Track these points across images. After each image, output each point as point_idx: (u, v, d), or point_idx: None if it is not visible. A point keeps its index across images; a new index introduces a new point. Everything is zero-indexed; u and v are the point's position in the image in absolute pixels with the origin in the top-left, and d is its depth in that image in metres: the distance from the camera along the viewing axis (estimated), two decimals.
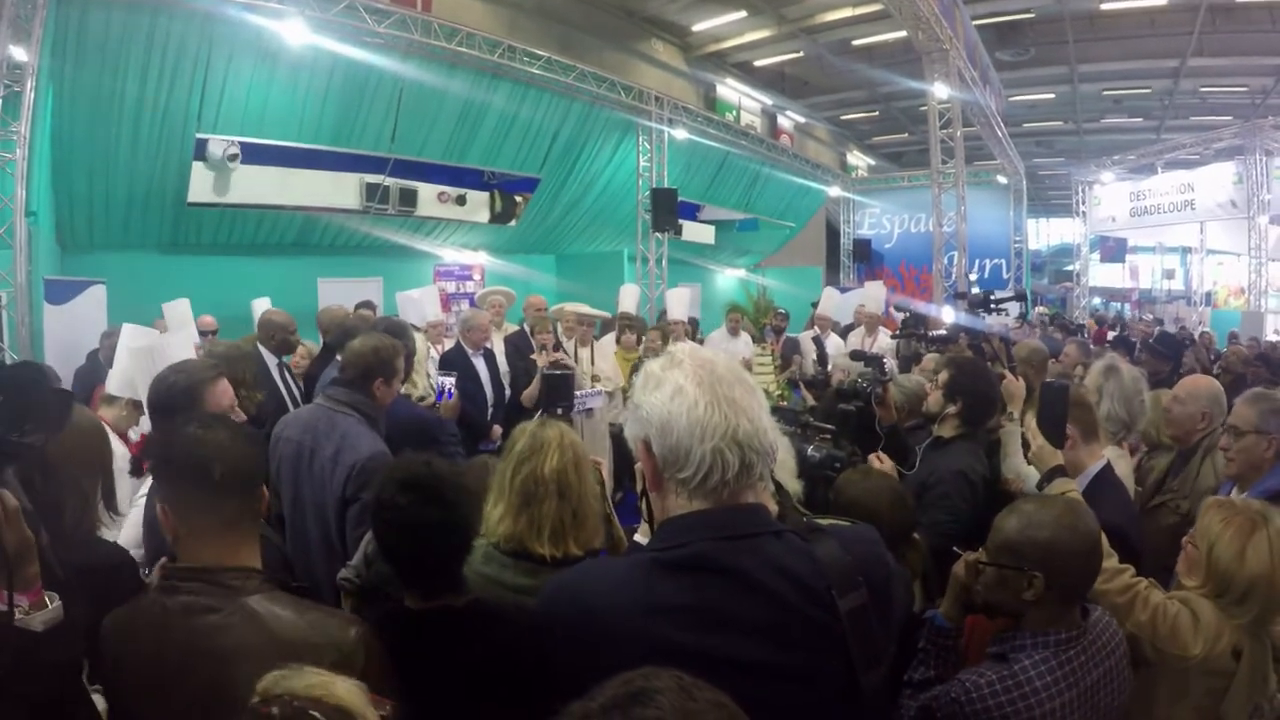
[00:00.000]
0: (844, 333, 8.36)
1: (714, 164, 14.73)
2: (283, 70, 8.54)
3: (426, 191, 10.62)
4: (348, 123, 9.47)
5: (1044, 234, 31.70)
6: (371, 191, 9.96)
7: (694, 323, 9.10)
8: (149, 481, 2.22)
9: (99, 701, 1.48)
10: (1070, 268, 22.60)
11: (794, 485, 1.93)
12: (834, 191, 18.57)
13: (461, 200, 11.05)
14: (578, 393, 5.14)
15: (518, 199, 11.77)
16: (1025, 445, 2.42)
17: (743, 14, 15.32)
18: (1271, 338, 14.14)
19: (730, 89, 17.97)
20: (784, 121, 19.96)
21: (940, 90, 11.69)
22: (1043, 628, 1.67)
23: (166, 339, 3.65)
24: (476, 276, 12.97)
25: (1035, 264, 27.43)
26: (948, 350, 4.04)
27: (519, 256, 13.46)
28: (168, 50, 7.71)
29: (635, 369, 1.35)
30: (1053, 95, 20.30)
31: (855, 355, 3.98)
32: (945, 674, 1.78)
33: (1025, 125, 22.40)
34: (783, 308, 10.49)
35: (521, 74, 10.26)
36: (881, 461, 2.65)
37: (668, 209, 11.73)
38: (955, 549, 1.89)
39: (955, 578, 1.83)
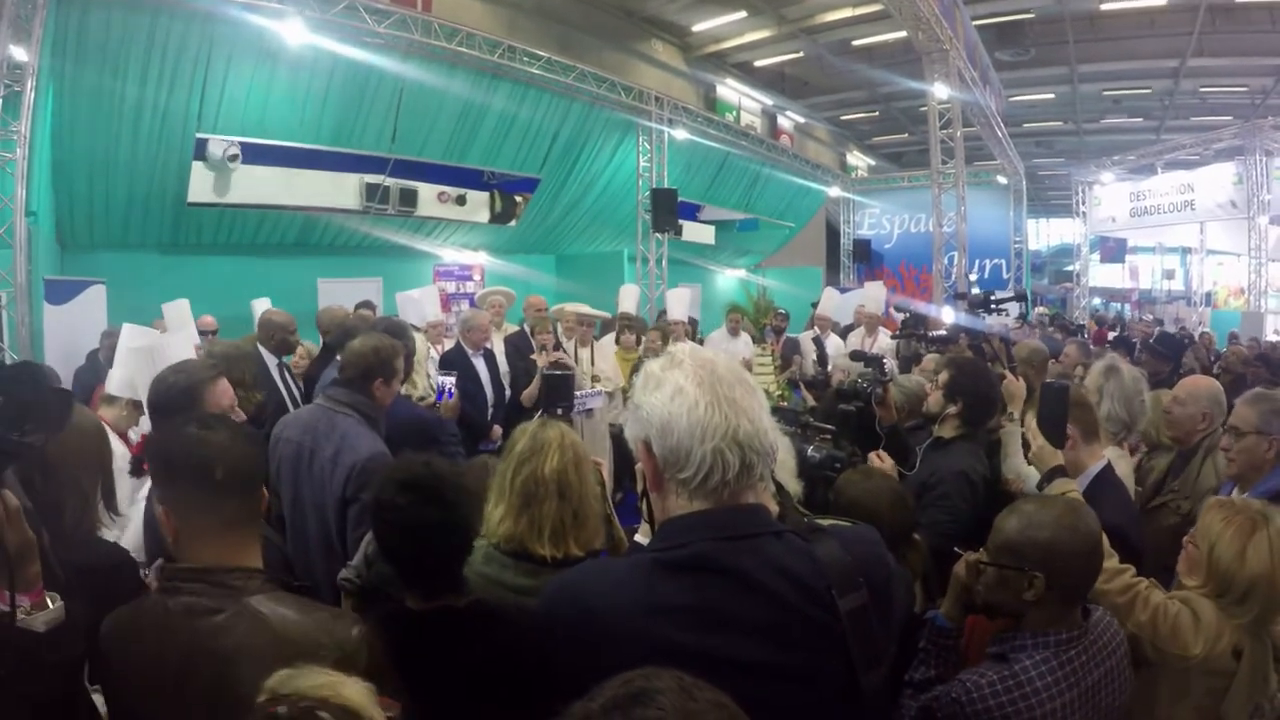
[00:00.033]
0: (844, 333, 8.36)
1: (714, 164, 14.73)
2: (283, 70, 8.54)
3: (426, 192, 10.63)
4: (348, 123, 9.48)
5: (1044, 234, 31.71)
6: (371, 192, 9.97)
7: (694, 323, 9.10)
8: (149, 482, 2.22)
9: (98, 702, 1.48)
10: (1070, 268, 22.61)
11: (794, 485, 1.93)
12: (834, 192, 18.57)
13: (461, 200, 11.06)
14: (578, 393, 5.14)
15: (518, 199, 11.78)
16: (1026, 445, 2.42)
17: (743, 14, 15.32)
18: (1271, 338, 14.15)
19: (730, 89, 17.97)
20: (784, 122, 19.95)
21: (940, 90, 11.69)
22: (1043, 628, 1.67)
23: (166, 339, 3.65)
24: (476, 277, 12.97)
25: (1035, 264, 27.44)
26: (948, 351, 4.04)
27: (519, 257, 13.46)
28: (168, 50, 7.72)
29: (635, 369, 1.35)
30: (1053, 95, 20.29)
31: (855, 356, 3.98)
32: (946, 674, 1.77)
33: (1025, 125, 22.39)
34: (783, 308, 10.49)
35: (521, 74, 10.26)
36: (882, 460, 2.65)
37: (668, 209, 11.74)
38: (956, 549, 1.89)
39: (956, 578, 1.83)
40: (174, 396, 2.32)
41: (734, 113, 17.47)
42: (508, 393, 5.60)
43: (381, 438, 2.73)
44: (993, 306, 4.23)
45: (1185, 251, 22.73)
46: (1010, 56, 17.06)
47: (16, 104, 6.50)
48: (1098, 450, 2.58)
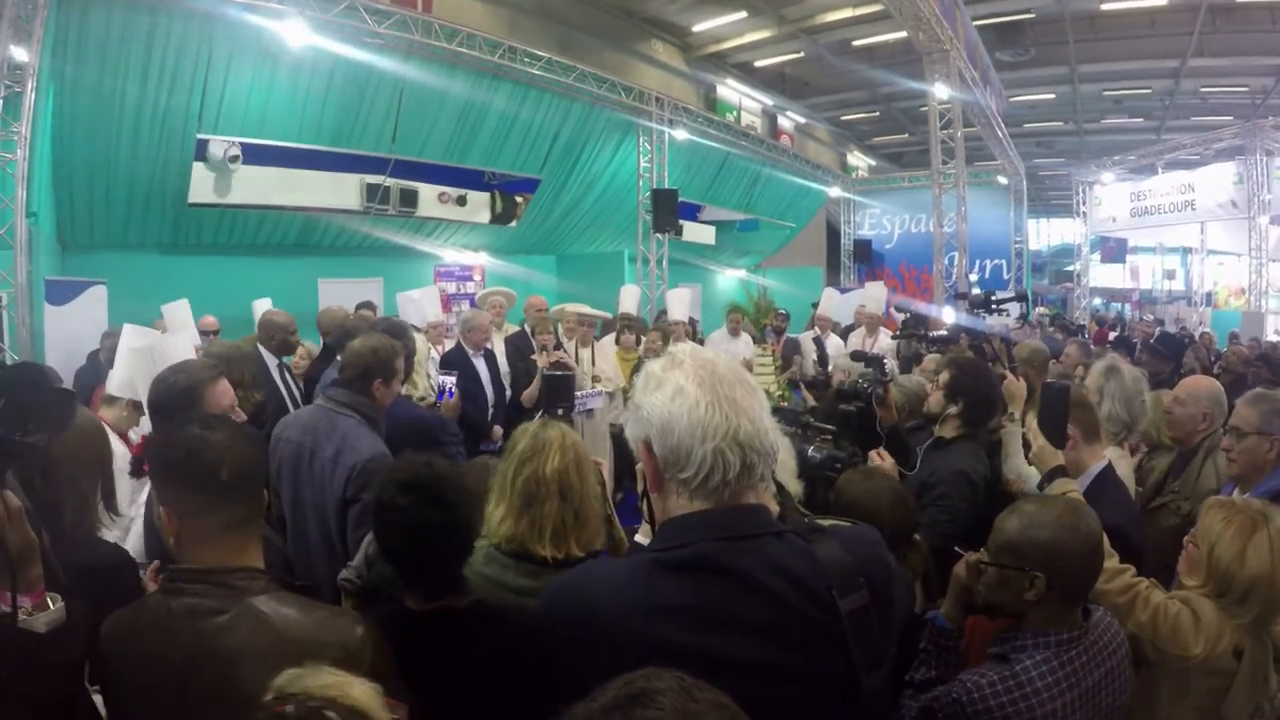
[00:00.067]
0: (844, 333, 8.36)
1: (714, 164, 14.74)
2: (283, 71, 8.54)
3: (427, 192, 10.63)
4: (348, 123, 9.48)
5: (1044, 234, 31.71)
6: (372, 192, 9.97)
7: (694, 323, 9.10)
8: (150, 484, 2.22)
9: (98, 702, 1.48)
10: (1071, 268, 22.61)
11: (794, 486, 1.93)
12: (834, 192, 18.57)
13: (462, 201, 11.06)
14: (578, 393, 5.15)
15: (518, 199, 11.78)
16: (1026, 446, 2.42)
17: (743, 14, 15.32)
18: (1272, 338, 14.15)
19: (730, 89, 17.97)
20: (784, 122, 19.95)
21: (941, 91, 11.69)
22: (1044, 628, 1.67)
23: (167, 339, 3.65)
24: (477, 277, 12.98)
25: (1036, 264, 27.43)
26: (948, 351, 4.04)
27: (519, 257, 13.47)
28: (168, 51, 7.72)
29: (636, 369, 1.35)
30: (1053, 95, 20.29)
31: (856, 356, 3.98)
32: (946, 674, 1.77)
33: (1026, 125, 22.39)
34: (783, 308, 10.49)
35: (522, 74, 10.26)
36: (882, 458, 2.65)
37: (668, 209, 11.74)
38: (957, 549, 1.89)
39: (956, 578, 1.83)
40: (174, 397, 2.32)
41: (734, 113, 17.47)
42: (508, 393, 5.60)
43: (382, 438, 2.73)
44: (993, 307, 4.23)
45: (1186, 251, 22.73)
46: (1011, 56, 17.07)
47: (17, 105, 6.50)
48: (1098, 450, 2.58)
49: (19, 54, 6.41)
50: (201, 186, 8.59)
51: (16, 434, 1.26)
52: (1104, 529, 1.79)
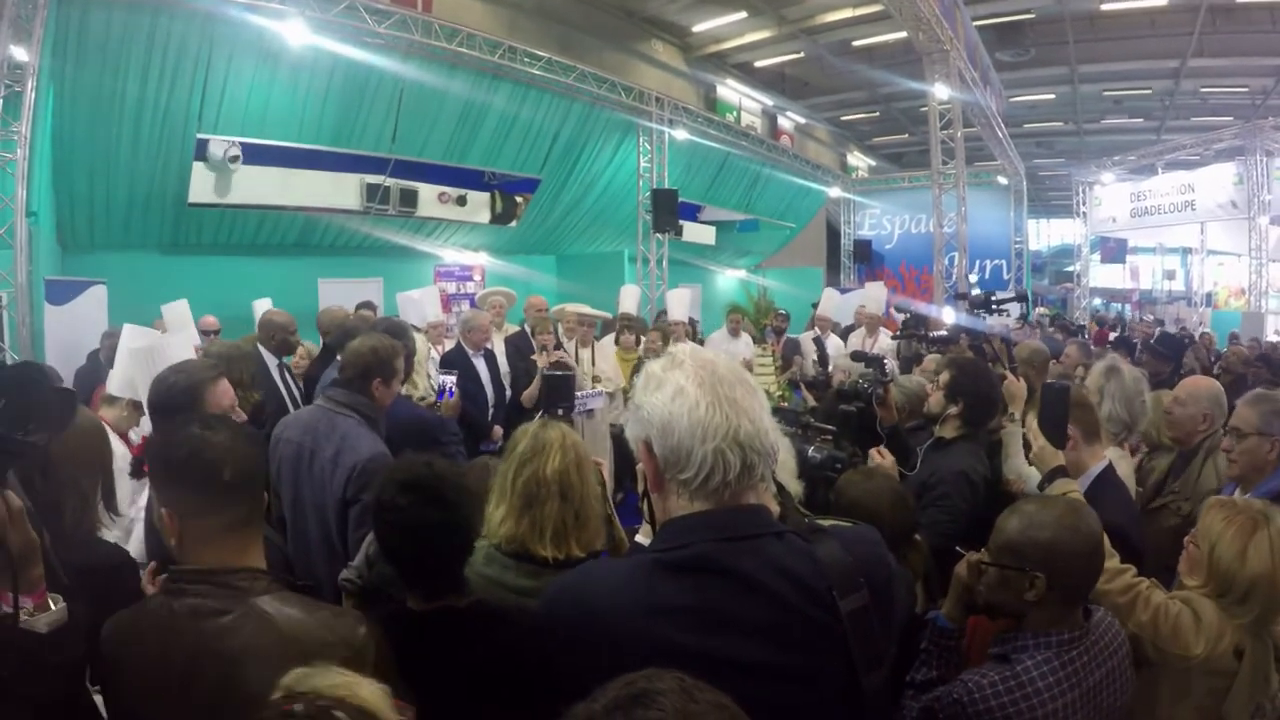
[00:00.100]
0: (845, 334, 8.36)
1: (714, 165, 14.74)
2: (283, 71, 8.54)
3: (427, 192, 10.63)
4: (348, 123, 9.48)
5: (1044, 235, 31.70)
6: (372, 192, 9.97)
7: (694, 324, 9.10)
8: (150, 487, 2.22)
9: (98, 702, 1.48)
10: (1071, 268, 22.61)
11: (794, 486, 1.93)
12: (834, 192, 18.57)
13: (462, 201, 11.06)
14: (578, 393, 5.15)
15: (518, 199, 11.79)
16: (1027, 446, 2.42)
17: (743, 15, 15.32)
18: (1272, 338, 14.15)
19: (730, 89, 17.97)
20: (784, 122, 19.96)
21: (941, 91, 11.69)
22: (1045, 628, 1.67)
23: (167, 339, 3.65)
24: (477, 277, 12.98)
25: (1036, 265, 27.43)
26: (948, 351, 4.04)
27: (519, 257, 13.47)
28: (168, 50, 7.72)
29: (636, 370, 1.35)
30: (1053, 96, 20.30)
31: (856, 356, 3.98)
32: (947, 675, 1.77)
33: (1026, 126, 22.40)
34: (783, 308, 10.49)
35: (522, 74, 10.26)
36: (883, 456, 2.65)
37: (668, 210, 11.74)
38: (958, 549, 1.89)
39: (957, 578, 1.83)
40: (174, 397, 2.32)
41: (734, 113, 17.48)
42: (508, 393, 5.60)
43: (382, 438, 2.73)
44: (994, 307, 4.23)
45: (1186, 252, 22.73)
46: (1011, 57, 17.07)
47: (17, 104, 6.51)
48: (1099, 451, 2.58)
49: (19, 54, 6.42)
50: (202, 186, 8.59)
51: (18, 433, 1.26)
52: (1104, 529, 1.79)
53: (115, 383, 3.39)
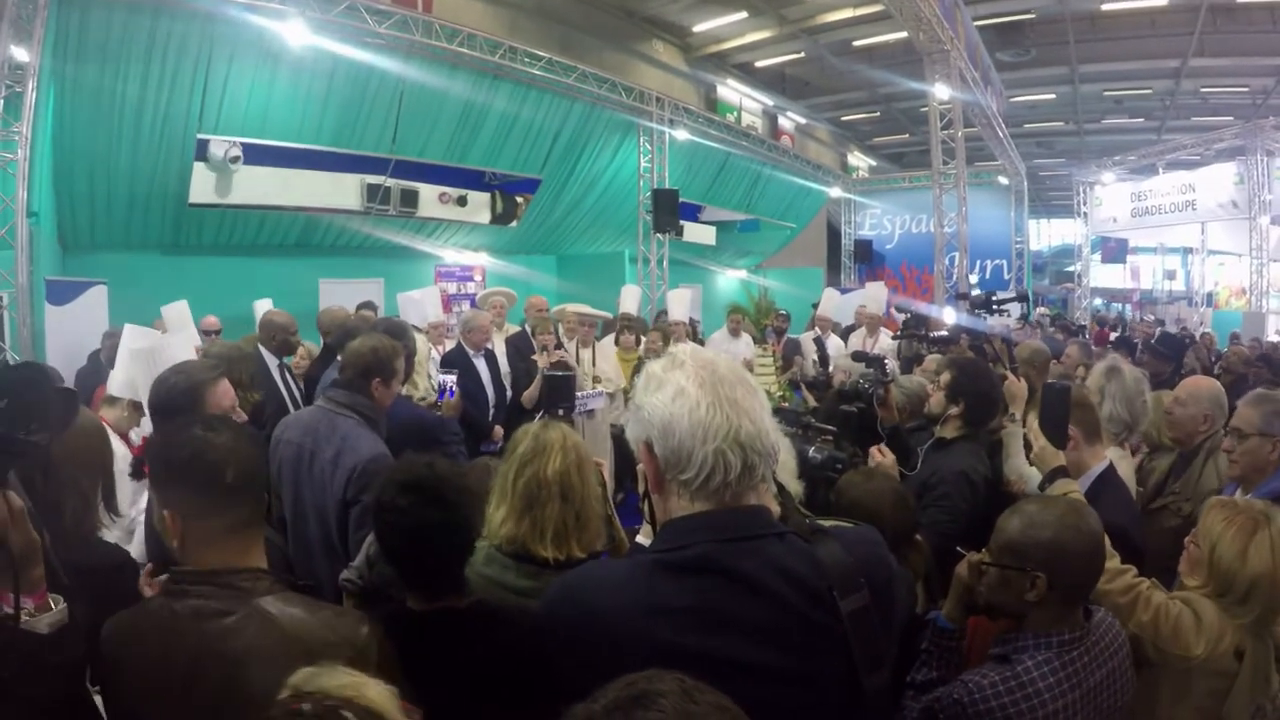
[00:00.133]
0: (845, 334, 8.36)
1: (715, 165, 14.74)
2: (284, 71, 8.55)
3: (427, 192, 10.64)
4: (349, 124, 9.49)
5: (1045, 235, 31.68)
6: (373, 192, 9.98)
7: (694, 324, 9.10)
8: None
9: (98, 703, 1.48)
10: (1071, 268, 22.60)
11: (794, 486, 1.93)
12: (835, 192, 18.57)
13: (462, 201, 11.07)
14: (579, 394, 5.14)
15: (519, 200, 11.79)
16: (1027, 446, 2.42)
17: (743, 15, 15.32)
18: (1273, 338, 14.13)
19: (731, 90, 17.98)
20: (785, 122, 19.96)
21: (941, 91, 11.69)
22: (1045, 629, 1.66)
23: (168, 340, 3.65)
24: (477, 277, 12.98)
25: (1036, 265, 27.41)
26: (949, 351, 4.04)
27: (520, 257, 13.47)
28: (169, 51, 7.73)
29: (637, 370, 1.35)
30: (1054, 96, 20.30)
31: (857, 356, 3.98)
32: (948, 675, 1.77)
33: (1026, 126, 22.39)
34: (784, 309, 10.48)
35: (522, 75, 10.27)
36: (884, 455, 2.65)
37: (669, 210, 11.74)
38: (959, 549, 1.89)
39: (958, 579, 1.83)
40: (175, 398, 2.32)
41: (735, 113, 17.48)
42: (509, 393, 5.60)
43: (382, 439, 2.73)
44: (994, 307, 4.23)
45: (1186, 252, 22.69)
46: (1011, 57, 17.08)
47: (18, 105, 6.52)
48: (1100, 451, 2.58)
49: (20, 54, 6.42)
50: (202, 187, 8.60)
51: (20, 433, 1.26)
52: (1105, 529, 1.79)
53: (116, 383, 3.40)
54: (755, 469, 1.12)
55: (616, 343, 6.73)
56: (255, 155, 8.75)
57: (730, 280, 17.27)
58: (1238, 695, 1.85)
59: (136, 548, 2.43)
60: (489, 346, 5.58)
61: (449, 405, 4.43)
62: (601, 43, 14.24)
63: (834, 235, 19.99)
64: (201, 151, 8.35)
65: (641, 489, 1.25)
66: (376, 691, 1.06)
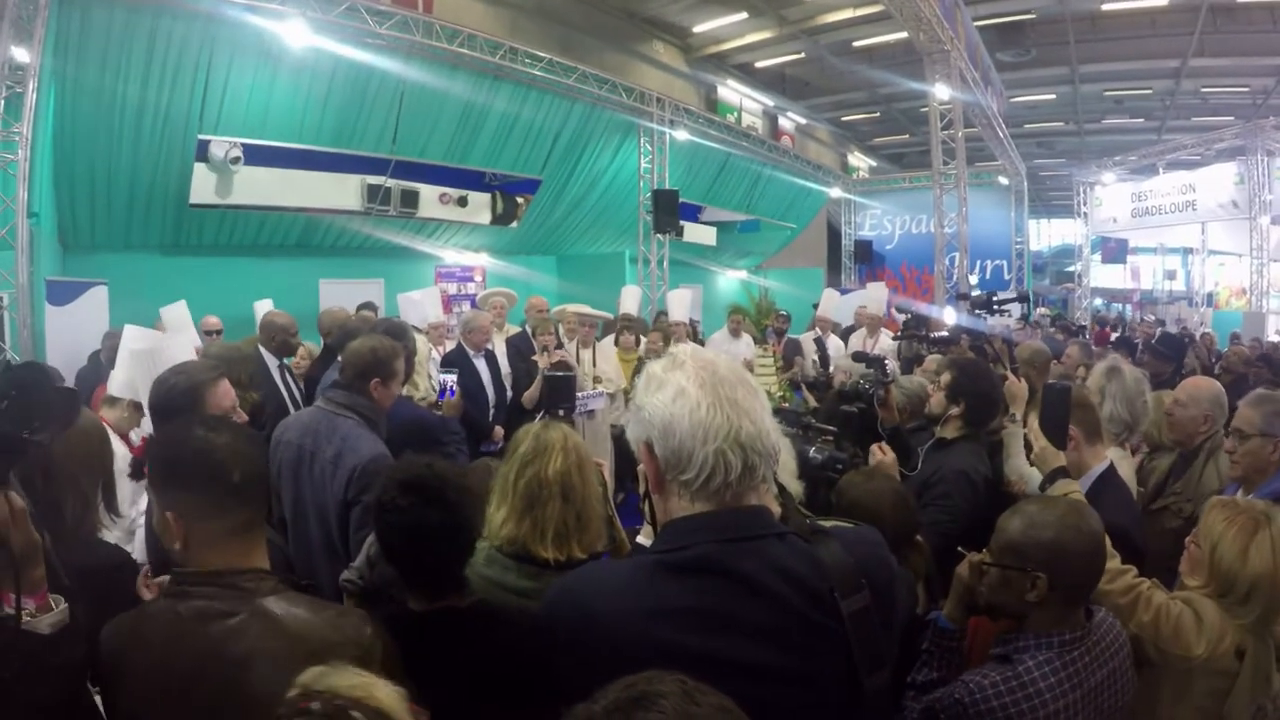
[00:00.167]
0: (845, 334, 8.37)
1: (715, 165, 14.73)
2: (284, 72, 8.55)
3: (428, 193, 10.63)
4: (349, 124, 9.48)
5: (1045, 235, 31.69)
6: (373, 193, 9.98)
7: (694, 324, 9.11)
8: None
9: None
10: (1072, 269, 22.58)
11: (795, 486, 1.92)
12: (835, 193, 18.57)
13: (463, 202, 11.06)
14: (579, 394, 5.14)
15: (519, 200, 11.79)
16: (1028, 447, 2.42)
17: (743, 15, 15.32)
18: (1273, 338, 14.13)
19: (731, 90, 17.98)
20: (785, 123, 19.96)
21: (941, 91, 11.69)
22: (1046, 629, 1.66)
23: (168, 340, 3.65)
24: (478, 278, 12.98)
25: (1037, 265, 27.41)
26: (949, 352, 4.04)
27: (520, 258, 13.47)
28: (169, 51, 7.72)
29: (638, 370, 1.35)
30: (1054, 96, 20.29)
31: (857, 357, 3.98)
32: (949, 675, 1.77)
33: (1026, 126, 22.39)
34: (784, 309, 10.48)
35: (523, 75, 10.27)
36: (884, 453, 2.64)
37: (669, 210, 11.74)
38: (960, 549, 1.89)
39: (958, 579, 1.83)
40: (175, 398, 2.32)
41: (735, 114, 17.48)
42: (509, 394, 5.60)
43: (382, 439, 2.73)
44: (995, 307, 4.23)
45: (1187, 252, 22.68)
46: (1011, 57, 17.08)
47: (18, 105, 6.51)
48: (1100, 451, 2.57)
49: (20, 54, 6.42)
50: (203, 187, 8.60)
51: (22, 432, 1.26)
52: (1106, 530, 1.79)
53: (116, 384, 3.40)
54: (756, 469, 1.12)
55: (616, 343, 6.73)
56: (256, 156, 8.75)
57: (730, 281, 17.27)
58: (1238, 695, 1.85)
59: (137, 549, 2.43)
60: (489, 347, 5.58)
61: (450, 405, 4.43)
62: (602, 43, 14.24)
63: (834, 236, 19.99)
64: (202, 152, 8.35)
65: (642, 489, 1.24)
66: (385, 692, 1.06)
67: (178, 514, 1.37)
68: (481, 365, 5.44)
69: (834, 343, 8.02)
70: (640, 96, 12.00)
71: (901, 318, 6.80)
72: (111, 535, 2.23)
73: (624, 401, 6.12)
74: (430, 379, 5.57)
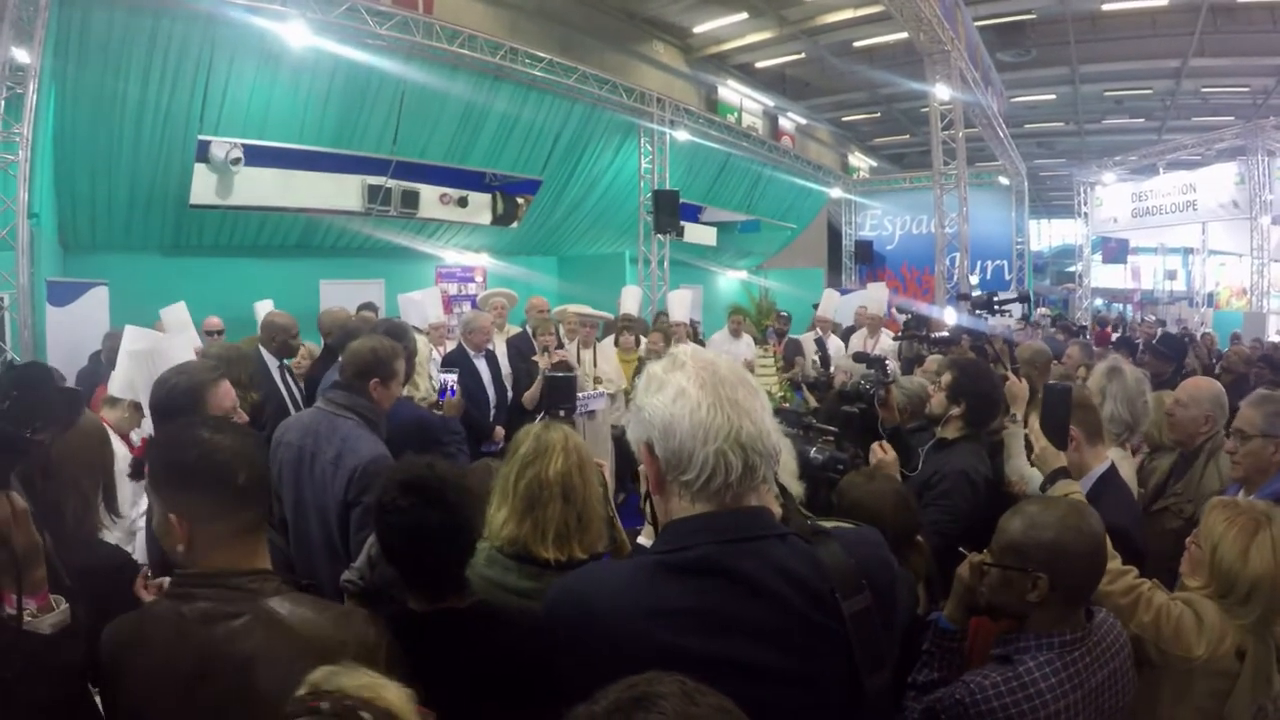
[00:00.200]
0: (846, 335, 8.37)
1: (715, 165, 14.73)
2: (285, 72, 8.55)
3: (428, 193, 10.64)
4: (350, 125, 9.49)
5: (1046, 235, 31.69)
6: (373, 193, 9.99)
7: (695, 325, 9.11)
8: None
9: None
10: (1072, 269, 22.58)
11: (795, 487, 1.92)
12: (835, 193, 18.57)
13: (463, 202, 11.07)
14: (580, 395, 5.14)
15: (519, 201, 11.79)
16: (1029, 447, 2.42)
17: (744, 15, 15.33)
18: (1274, 338, 14.12)
19: (731, 90, 17.98)
20: (785, 123, 19.97)
21: (942, 91, 11.69)
22: (1047, 629, 1.66)
23: (167, 341, 3.65)
24: (478, 278, 12.97)
25: (1037, 265, 27.41)
26: (950, 352, 4.04)
27: (521, 258, 13.47)
28: (170, 52, 7.73)
29: (639, 371, 1.35)
30: (1054, 96, 20.30)
31: (858, 357, 3.98)
32: (949, 676, 1.77)
33: (1027, 126, 22.40)
34: (785, 310, 10.48)
35: (523, 76, 10.27)
36: (885, 451, 2.64)
37: (669, 211, 11.74)
38: (961, 549, 1.88)
39: (959, 580, 1.83)
40: (176, 398, 2.32)
41: (735, 114, 17.49)
42: (509, 394, 5.60)
43: (382, 439, 2.73)
44: (996, 308, 4.23)
45: (1187, 252, 22.68)
46: (1012, 57, 17.08)
47: (19, 106, 6.51)
48: (1101, 451, 2.57)
49: (21, 55, 6.42)
50: (203, 188, 8.61)
51: (26, 431, 1.26)
52: (1107, 530, 1.78)
53: (116, 384, 3.40)
54: (756, 470, 1.12)
55: (616, 344, 6.73)
56: (256, 156, 8.76)
57: (731, 281, 17.27)
58: (1239, 696, 1.85)
59: (138, 550, 2.43)
60: (490, 347, 5.59)
61: (451, 404, 4.43)
62: (602, 44, 14.24)
63: (835, 236, 19.98)
64: (202, 152, 8.35)
65: (643, 490, 1.24)
66: (395, 694, 1.06)
67: (182, 516, 1.36)
68: (482, 365, 5.45)
69: (834, 343, 8.03)
70: (640, 97, 12.00)
71: (902, 318, 6.81)
72: (112, 536, 2.23)
73: (624, 402, 6.12)
74: (431, 379, 5.57)
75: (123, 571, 1.92)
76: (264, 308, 5.71)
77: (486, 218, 11.54)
